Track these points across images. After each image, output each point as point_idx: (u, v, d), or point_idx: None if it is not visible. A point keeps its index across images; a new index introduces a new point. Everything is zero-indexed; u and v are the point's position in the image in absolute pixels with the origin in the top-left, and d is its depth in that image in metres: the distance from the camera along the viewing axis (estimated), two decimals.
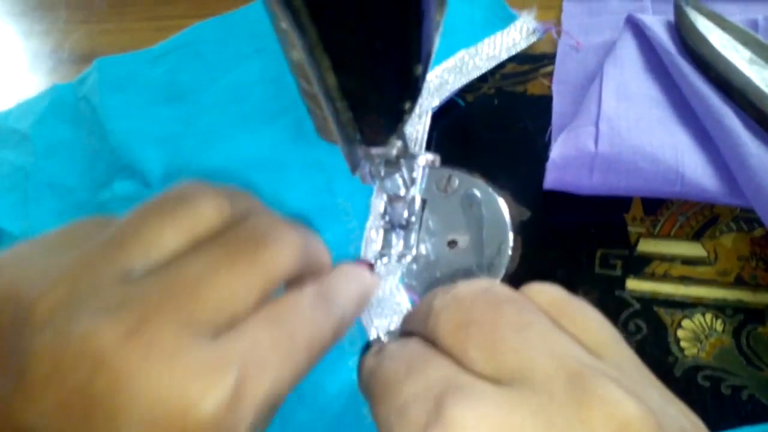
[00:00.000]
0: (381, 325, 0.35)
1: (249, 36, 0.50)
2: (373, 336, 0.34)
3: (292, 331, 0.22)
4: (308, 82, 0.26)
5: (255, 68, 0.48)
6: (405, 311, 0.35)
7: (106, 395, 0.19)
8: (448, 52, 0.45)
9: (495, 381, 0.20)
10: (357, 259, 0.36)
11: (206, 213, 0.24)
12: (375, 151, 0.30)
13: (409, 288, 0.36)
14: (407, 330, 0.26)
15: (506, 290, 0.23)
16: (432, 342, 0.23)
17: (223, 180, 0.42)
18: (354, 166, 0.29)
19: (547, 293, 0.23)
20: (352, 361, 0.34)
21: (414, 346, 0.23)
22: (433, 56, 0.25)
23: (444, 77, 0.44)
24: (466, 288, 0.23)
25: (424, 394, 0.20)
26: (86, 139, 0.47)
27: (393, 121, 0.26)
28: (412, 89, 0.25)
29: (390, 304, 0.35)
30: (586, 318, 0.23)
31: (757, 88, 0.36)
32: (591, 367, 0.20)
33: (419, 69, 0.24)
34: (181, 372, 0.19)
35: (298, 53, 0.25)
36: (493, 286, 0.23)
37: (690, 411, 0.21)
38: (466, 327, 0.22)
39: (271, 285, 0.23)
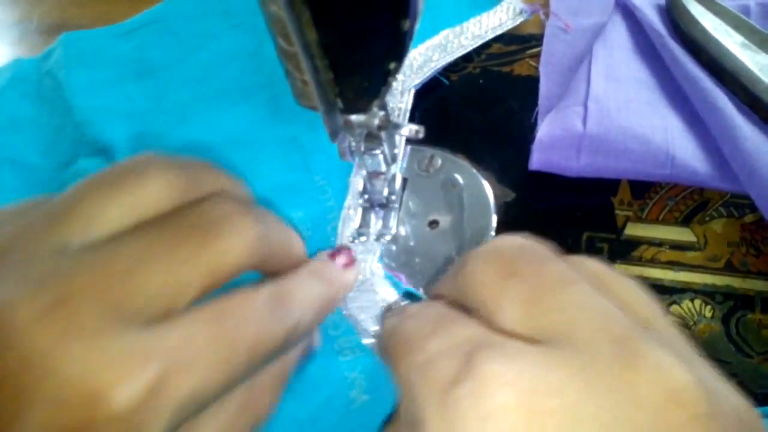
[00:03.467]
0: (357, 306, 0.33)
1: (223, 12, 0.48)
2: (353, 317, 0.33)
3: (234, 332, 0.21)
4: (287, 39, 0.24)
5: (229, 44, 0.46)
6: (383, 294, 0.33)
7: (15, 371, 0.17)
8: (432, 31, 0.44)
9: (530, 341, 0.19)
10: (337, 247, 0.34)
11: (155, 190, 0.22)
12: (356, 119, 0.28)
13: (388, 267, 0.35)
14: (433, 296, 0.25)
15: (548, 250, 0.22)
16: (460, 301, 0.22)
17: (192, 156, 0.41)
18: (334, 133, 0.27)
19: (588, 264, 0.22)
20: (337, 344, 0.32)
21: (439, 306, 0.22)
22: (419, 21, 0.24)
23: (428, 55, 0.43)
24: (505, 241, 0.22)
25: (451, 350, 0.19)
26: (49, 116, 0.45)
27: (377, 83, 0.25)
28: (398, 47, 0.23)
29: (368, 286, 0.34)
30: (631, 292, 0.21)
31: (749, 72, 0.35)
32: (639, 332, 0.18)
33: (407, 24, 0.22)
34: (97, 357, 0.18)
35: (277, 7, 0.23)
36: (535, 243, 0.22)
37: (739, 393, 0.19)
38: (506, 279, 0.20)
39: (216, 279, 0.21)
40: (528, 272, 0.20)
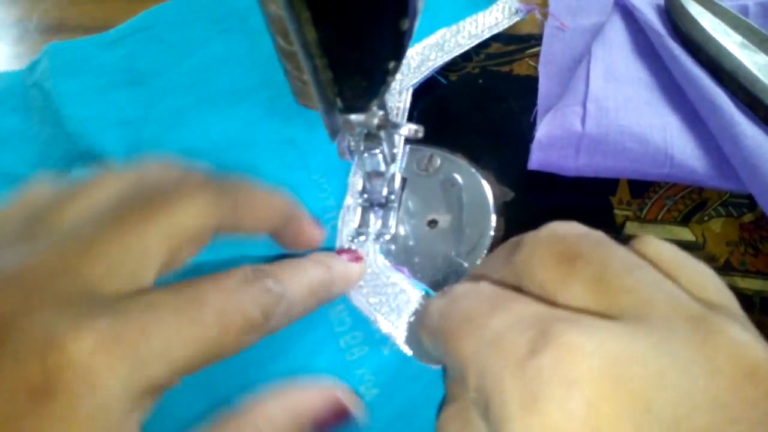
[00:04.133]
0: (367, 293, 0.33)
1: (211, 19, 0.48)
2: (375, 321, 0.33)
3: (203, 305, 0.21)
4: (286, 39, 0.24)
5: (219, 49, 0.46)
6: (393, 279, 0.33)
7: None
8: (429, 30, 0.44)
9: (602, 317, 0.18)
10: (340, 249, 0.34)
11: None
12: (355, 119, 0.28)
13: (397, 266, 0.35)
14: (473, 276, 0.24)
15: (608, 237, 0.22)
16: (511, 282, 0.21)
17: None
18: (333, 133, 0.27)
19: (657, 246, 0.21)
20: (343, 341, 0.32)
21: (490, 286, 0.22)
22: (418, 20, 0.24)
23: (425, 54, 0.43)
24: (564, 227, 0.22)
25: (520, 324, 0.19)
26: (39, 128, 0.45)
27: (376, 82, 0.25)
28: (397, 46, 0.23)
29: (379, 278, 0.34)
30: (704, 277, 0.21)
31: (748, 72, 0.35)
32: (713, 311, 0.18)
33: (406, 23, 0.22)
34: (57, 315, 0.19)
35: (276, 6, 0.23)
36: (594, 230, 0.22)
37: None
38: (572, 260, 0.20)
39: (175, 242, 0.23)
40: (594, 255, 0.20)
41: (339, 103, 0.26)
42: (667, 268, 0.20)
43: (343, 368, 0.31)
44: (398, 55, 0.24)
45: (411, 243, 0.36)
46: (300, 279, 0.26)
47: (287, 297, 0.25)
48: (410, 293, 0.33)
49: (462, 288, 0.23)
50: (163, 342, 0.20)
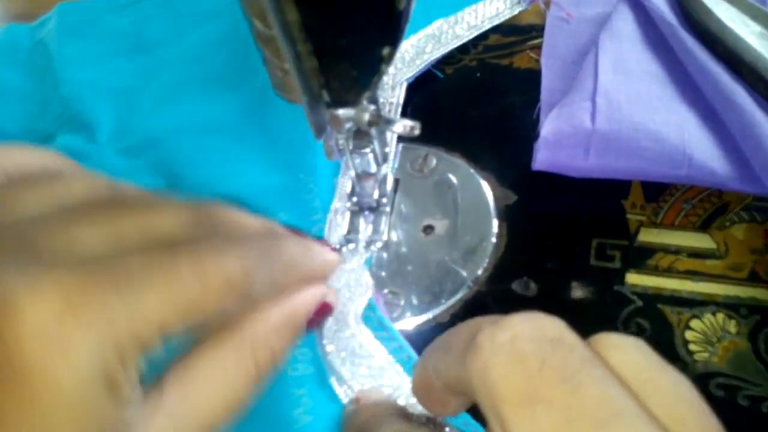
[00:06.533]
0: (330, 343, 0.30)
1: None
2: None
3: (178, 263, 0.19)
4: (264, 21, 0.21)
5: (226, 25, 0.44)
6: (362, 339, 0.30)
7: None
8: (425, 21, 0.41)
9: None
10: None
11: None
12: (344, 114, 0.25)
13: (377, 296, 0.32)
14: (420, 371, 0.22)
15: (579, 344, 0.18)
16: (461, 390, 0.19)
17: (175, 145, 0.38)
18: (319, 130, 0.24)
19: (629, 355, 0.18)
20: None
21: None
22: (414, 3, 0.21)
23: (420, 46, 0.40)
24: (526, 330, 0.18)
25: None
26: (36, 87, 0.44)
27: (367, 72, 0.22)
28: (392, 30, 0.20)
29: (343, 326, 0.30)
30: (683, 403, 0.17)
31: None
32: None
33: (402, 3, 0.19)
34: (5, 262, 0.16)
35: None
36: (563, 332, 0.18)
37: None
38: (533, 404, 0.17)
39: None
40: (559, 397, 0.17)
41: (325, 96, 0.23)
42: (638, 384, 0.17)
43: (281, 382, 0.29)
44: (393, 39, 0.21)
45: (404, 250, 0.33)
46: (279, 250, 0.23)
47: (268, 262, 0.22)
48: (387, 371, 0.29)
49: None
50: (138, 301, 0.17)
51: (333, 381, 0.29)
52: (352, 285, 0.31)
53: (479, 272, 0.32)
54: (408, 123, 0.26)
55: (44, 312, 0.15)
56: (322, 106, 0.24)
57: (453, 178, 0.35)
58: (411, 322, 0.31)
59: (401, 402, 0.28)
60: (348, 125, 0.27)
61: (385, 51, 0.21)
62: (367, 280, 0.31)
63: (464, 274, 0.32)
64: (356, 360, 0.29)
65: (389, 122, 0.26)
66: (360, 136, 0.29)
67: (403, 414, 0.25)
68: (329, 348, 0.29)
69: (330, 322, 0.30)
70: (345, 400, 0.29)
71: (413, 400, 0.25)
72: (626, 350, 0.18)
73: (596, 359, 0.17)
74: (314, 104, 0.23)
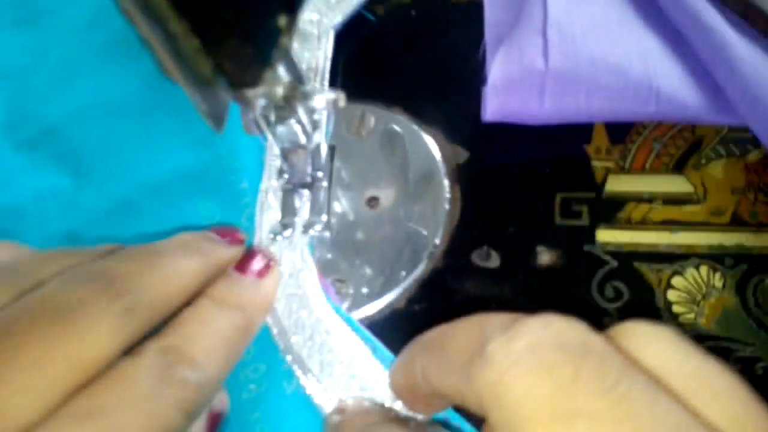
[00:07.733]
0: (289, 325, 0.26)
1: None
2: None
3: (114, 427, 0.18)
4: None
5: None
6: (318, 313, 0.26)
7: None
8: None
9: None
10: (250, 248, 0.27)
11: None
12: (251, 93, 0.21)
13: (326, 283, 0.28)
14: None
15: (609, 348, 0.16)
16: (470, 403, 0.16)
17: (78, 132, 0.33)
18: (218, 120, 0.20)
19: (662, 346, 0.16)
20: (242, 375, 0.27)
21: None
22: None
23: None
24: (544, 334, 0.16)
25: None
26: None
27: (264, 48, 0.17)
28: None
29: (301, 301, 0.27)
30: (724, 389, 0.16)
31: None
32: None
33: None
34: None
35: None
36: (587, 337, 0.16)
37: None
38: (571, 419, 0.14)
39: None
40: (604, 410, 0.14)
41: (220, 76, 0.19)
42: (678, 385, 0.15)
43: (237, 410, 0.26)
44: (291, 4, 0.16)
45: (348, 228, 0.30)
46: (213, 342, 0.22)
47: (206, 378, 0.21)
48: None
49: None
50: None
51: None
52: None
53: (434, 246, 0.29)
54: (330, 95, 0.22)
55: None
56: (218, 91, 0.19)
57: (395, 138, 0.31)
58: (363, 311, 0.28)
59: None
60: (261, 102, 0.22)
61: (282, 21, 0.16)
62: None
63: (417, 249, 0.29)
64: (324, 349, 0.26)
65: (306, 96, 0.22)
66: (281, 106, 0.24)
67: (396, 419, 0.24)
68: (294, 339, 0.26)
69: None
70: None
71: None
72: (657, 341, 0.16)
73: (633, 366, 0.15)
74: (206, 91, 0.19)
